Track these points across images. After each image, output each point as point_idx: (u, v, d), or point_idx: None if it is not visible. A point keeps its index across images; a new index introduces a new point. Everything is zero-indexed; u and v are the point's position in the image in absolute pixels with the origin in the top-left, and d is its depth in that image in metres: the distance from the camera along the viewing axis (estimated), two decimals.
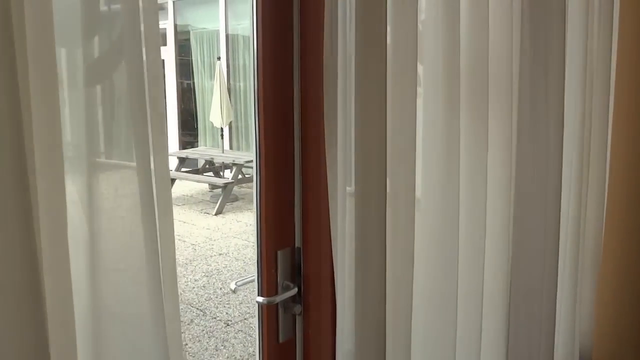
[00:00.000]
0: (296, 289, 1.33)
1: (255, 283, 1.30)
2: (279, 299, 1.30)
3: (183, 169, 8.31)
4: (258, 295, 1.30)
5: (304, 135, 1.33)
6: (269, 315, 1.32)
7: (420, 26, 1.40)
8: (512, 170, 1.60)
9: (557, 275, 1.77)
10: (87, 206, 0.79)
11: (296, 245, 1.34)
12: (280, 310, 1.33)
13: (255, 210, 1.29)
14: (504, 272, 1.62)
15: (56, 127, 0.70)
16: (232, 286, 1.34)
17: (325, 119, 1.22)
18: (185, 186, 8.50)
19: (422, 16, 1.39)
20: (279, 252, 1.30)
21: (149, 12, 0.79)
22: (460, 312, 1.46)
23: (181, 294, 4.14)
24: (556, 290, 1.77)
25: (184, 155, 8.25)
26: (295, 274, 1.35)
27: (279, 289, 1.31)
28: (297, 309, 1.34)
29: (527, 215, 1.66)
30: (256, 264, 1.30)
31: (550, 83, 1.64)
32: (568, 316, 1.99)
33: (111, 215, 0.81)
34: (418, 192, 1.33)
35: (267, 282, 1.30)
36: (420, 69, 1.39)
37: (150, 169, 0.81)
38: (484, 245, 1.55)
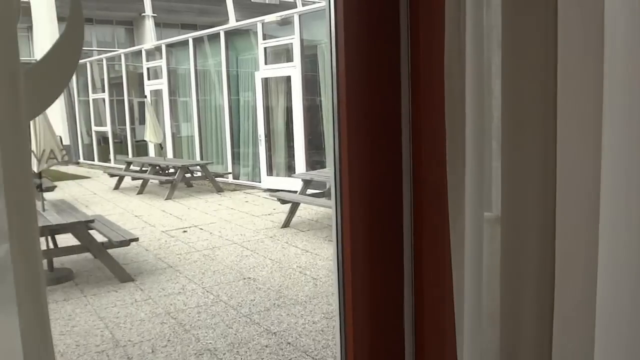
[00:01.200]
0: None
1: None
2: None
3: (309, 191, 8.02)
4: None
5: (416, 183, 0.85)
6: None
7: (606, 5, 0.87)
8: None
9: None
10: None
11: None
12: None
13: (338, 312, 0.82)
14: None
15: None
16: None
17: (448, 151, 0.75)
18: (311, 209, 8.24)
19: None
20: None
21: None
22: None
23: (297, 339, 3.76)
24: None
25: (308, 178, 7.97)
26: None
27: None
28: None
29: None
30: None
31: None
32: None
33: None
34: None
35: None
36: (606, 68, 0.88)
37: None
38: None
